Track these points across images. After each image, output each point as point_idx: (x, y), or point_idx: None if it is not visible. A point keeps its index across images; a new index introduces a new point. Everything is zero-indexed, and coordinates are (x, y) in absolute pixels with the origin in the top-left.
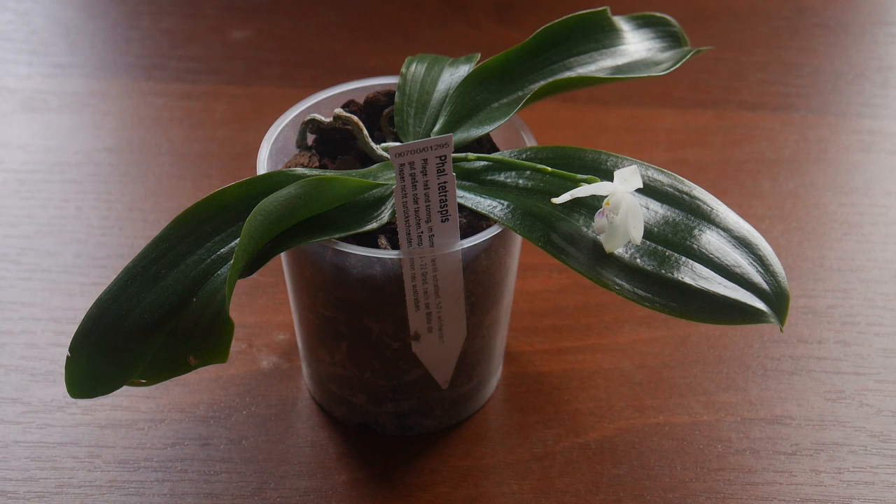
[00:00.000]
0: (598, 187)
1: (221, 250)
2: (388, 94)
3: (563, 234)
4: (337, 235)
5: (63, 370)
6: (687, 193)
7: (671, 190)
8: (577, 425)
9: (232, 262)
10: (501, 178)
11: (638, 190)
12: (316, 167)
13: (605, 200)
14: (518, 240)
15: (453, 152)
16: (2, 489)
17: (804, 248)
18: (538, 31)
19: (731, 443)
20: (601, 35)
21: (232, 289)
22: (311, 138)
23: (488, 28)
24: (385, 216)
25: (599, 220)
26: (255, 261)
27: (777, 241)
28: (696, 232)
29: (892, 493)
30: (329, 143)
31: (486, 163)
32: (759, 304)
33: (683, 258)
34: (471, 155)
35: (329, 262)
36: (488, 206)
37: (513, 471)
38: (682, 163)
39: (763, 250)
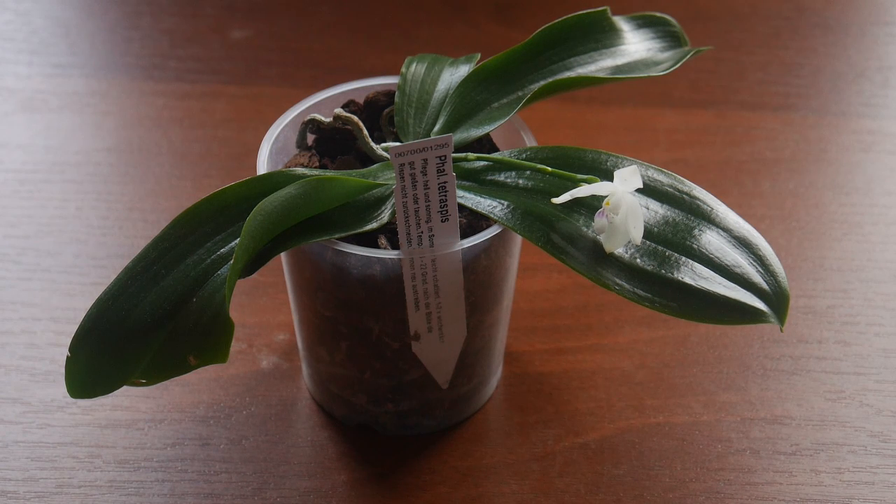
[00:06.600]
0: (598, 187)
1: (221, 250)
2: (388, 94)
3: (563, 234)
4: (337, 235)
5: (63, 370)
6: (687, 193)
7: (671, 190)
8: (577, 425)
9: (232, 262)
10: (501, 178)
11: (638, 190)
12: (316, 167)
13: (605, 200)
14: (518, 240)
15: (453, 152)
16: (2, 489)
17: (804, 248)
18: (538, 31)
19: (731, 443)
20: (601, 35)
21: (232, 289)
22: (311, 138)
23: (488, 28)
24: (385, 216)
25: (599, 220)
26: (255, 261)
27: (777, 241)
28: (696, 232)
29: (892, 493)
30: (329, 143)
31: (486, 163)
32: (759, 304)
33: (683, 258)
34: (471, 155)
35: (329, 262)
36: (488, 206)
37: (513, 471)
38: (682, 163)
39: (763, 250)
